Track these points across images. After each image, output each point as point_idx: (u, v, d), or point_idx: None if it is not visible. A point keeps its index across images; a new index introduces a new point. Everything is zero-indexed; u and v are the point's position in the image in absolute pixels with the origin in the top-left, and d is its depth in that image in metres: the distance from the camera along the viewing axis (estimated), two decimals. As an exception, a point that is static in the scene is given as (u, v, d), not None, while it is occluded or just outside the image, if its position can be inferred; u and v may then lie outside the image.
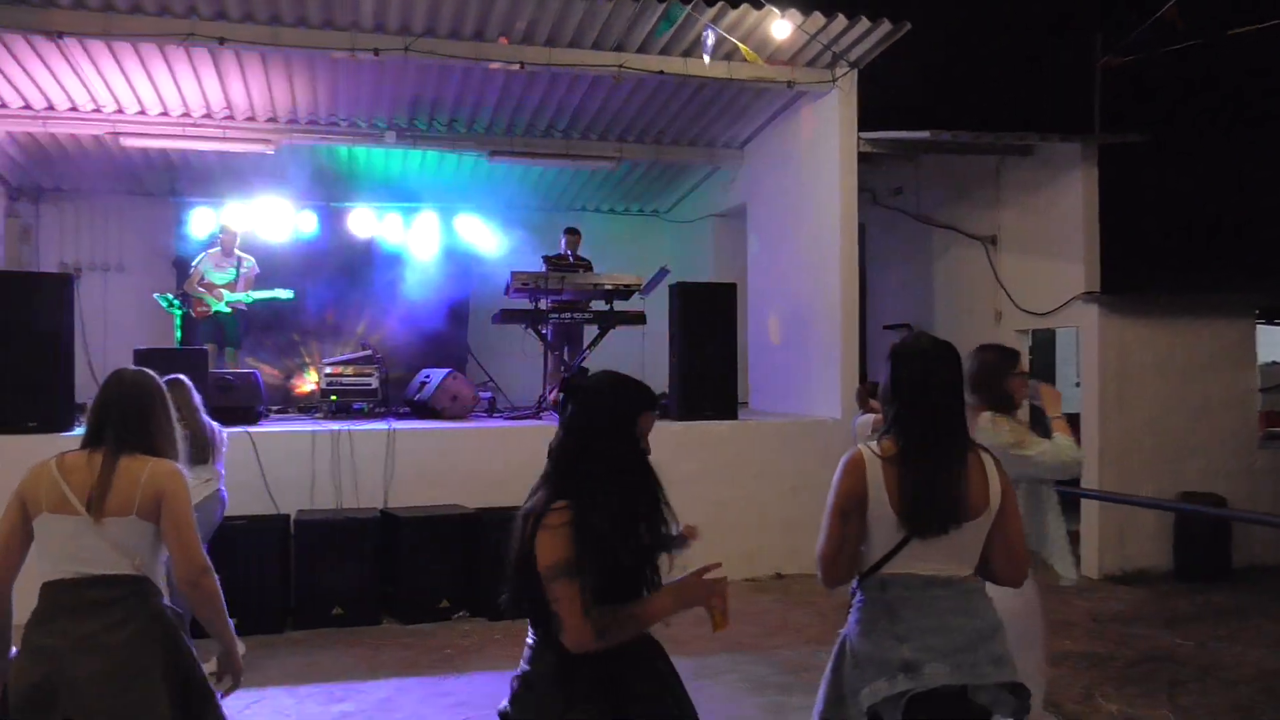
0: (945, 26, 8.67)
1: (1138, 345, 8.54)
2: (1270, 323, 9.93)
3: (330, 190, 10.73)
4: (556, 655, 2.36)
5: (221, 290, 9.01)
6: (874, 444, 2.54)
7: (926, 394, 2.52)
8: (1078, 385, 9.11)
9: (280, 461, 6.96)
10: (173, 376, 5.65)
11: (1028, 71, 10.20)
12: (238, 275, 9.11)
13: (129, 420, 2.80)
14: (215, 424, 5.59)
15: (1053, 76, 9.67)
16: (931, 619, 2.45)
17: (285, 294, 9.27)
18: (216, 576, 2.83)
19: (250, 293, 9.10)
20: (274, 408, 8.82)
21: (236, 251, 9.24)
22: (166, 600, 2.81)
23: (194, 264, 9.21)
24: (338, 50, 7.57)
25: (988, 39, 10.50)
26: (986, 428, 3.54)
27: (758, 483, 7.93)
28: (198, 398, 5.43)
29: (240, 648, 3.06)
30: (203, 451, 5.48)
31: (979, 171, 9.66)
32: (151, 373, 2.96)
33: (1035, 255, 9.11)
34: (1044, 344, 9.59)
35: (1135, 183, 8.64)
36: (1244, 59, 7.29)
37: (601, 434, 2.43)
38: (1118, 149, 8.53)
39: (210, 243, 9.49)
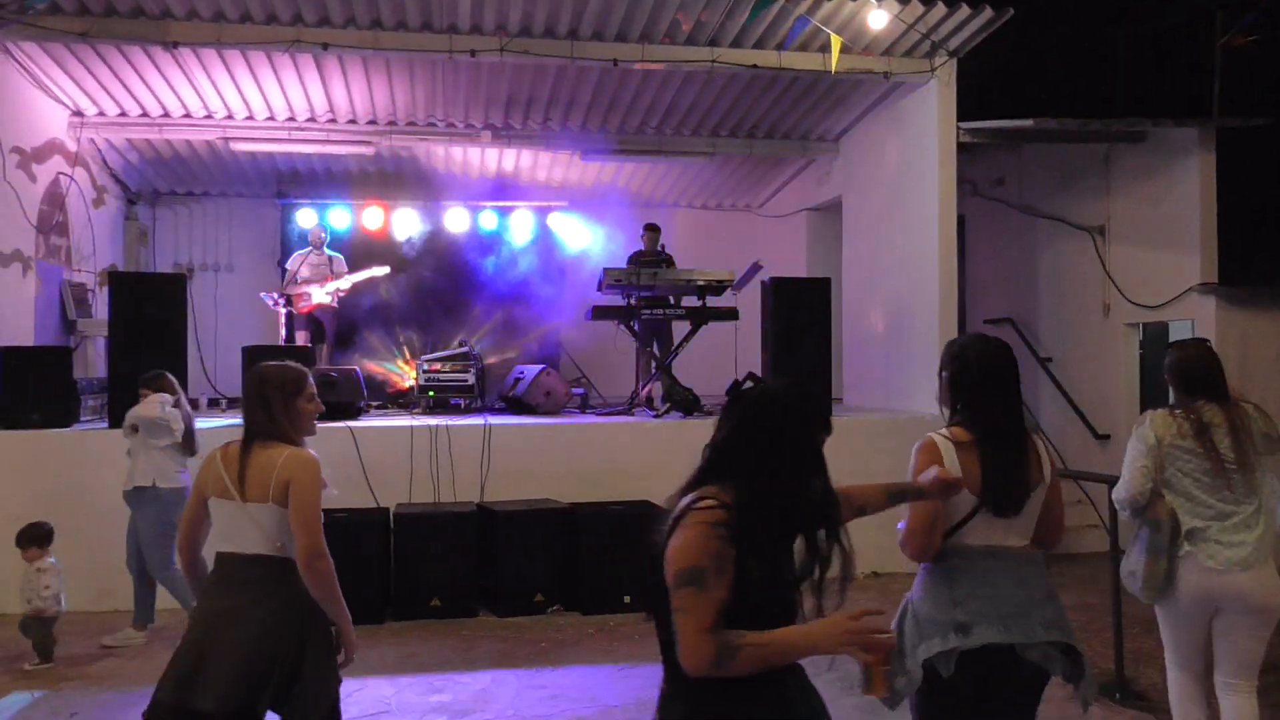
0: (1049, 9, 8.36)
1: (1259, 339, 8.13)
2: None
3: (427, 189, 10.97)
4: (682, 694, 2.10)
5: (320, 282, 9.32)
6: (944, 431, 2.80)
7: (989, 385, 2.78)
8: (1192, 381, 8.69)
9: (380, 456, 7.14)
10: (155, 372, 6.01)
11: (1139, 54, 9.76)
12: (329, 273, 9.43)
13: (254, 411, 3.00)
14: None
15: (1167, 58, 9.25)
16: (986, 586, 2.70)
17: (381, 270, 9.58)
18: (331, 561, 2.98)
19: (347, 277, 9.40)
20: (374, 403, 9.05)
21: (327, 251, 9.55)
22: None
23: (288, 265, 9.57)
24: (436, 52, 7.73)
25: (1095, 21, 10.08)
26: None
27: (853, 480, 7.69)
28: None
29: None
30: (191, 444, 5.92)
31: (1086, 159, 9.32)
32: (285, 363, 3.13)
33: (1147, 246, 8.75)
34: (1155, 338, 9.19)
35: (1256, 168, 8.21)
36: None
37: (781, 434, 2.16)
38: (1237, 133, 8.12)
39: (303, 244, 9.85)
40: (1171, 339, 9.43)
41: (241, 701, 2.77)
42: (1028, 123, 8.23)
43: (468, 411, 8.49)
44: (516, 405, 8.62)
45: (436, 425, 7.35)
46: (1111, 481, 5.59)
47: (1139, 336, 9.10)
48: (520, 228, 11.03)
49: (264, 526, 2.89)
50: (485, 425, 7.39)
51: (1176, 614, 3.78)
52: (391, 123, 9.50)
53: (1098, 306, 9.31)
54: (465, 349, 9.55)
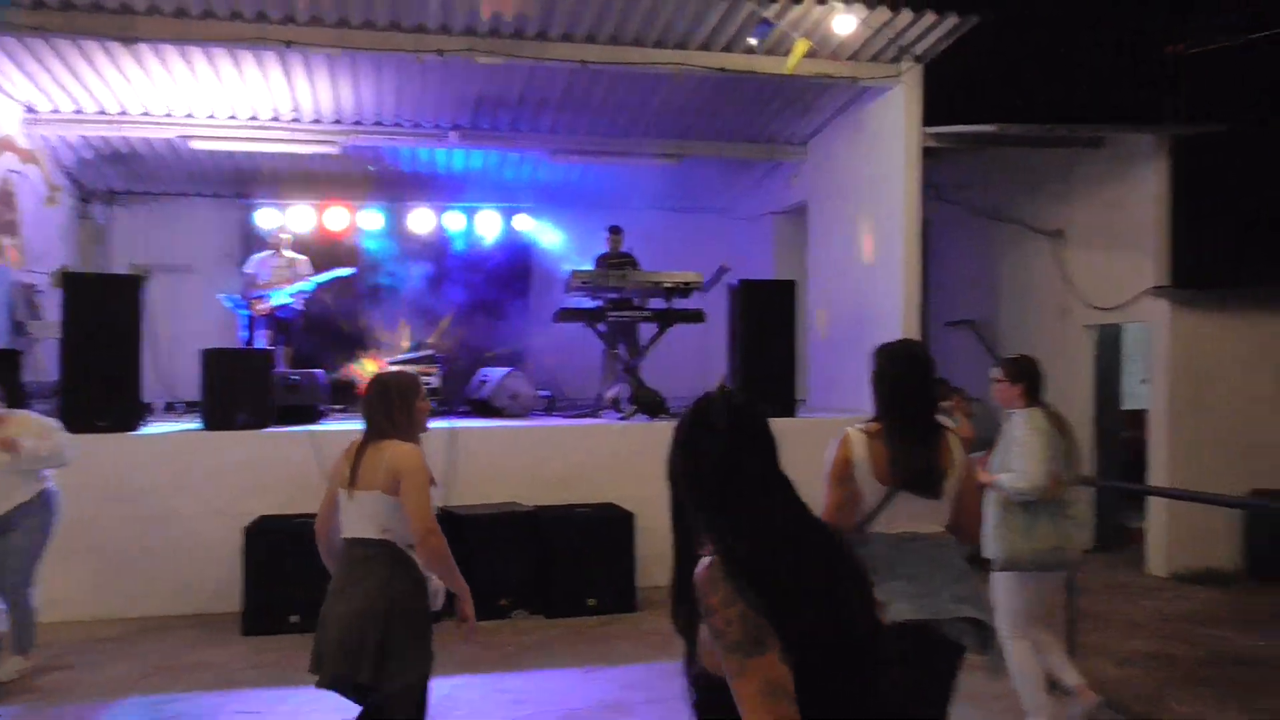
0: (1014, 17, 8.47)
1: (1210, 340, 8.31)
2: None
3: (393, 190, 10.89)
4: None
5: (281, 285, 9.20)
6: (860, 425, 3.14)
7: (902, 385, 3.11)
8: (1144, 382, 8.89)
9: (344, 459, 7.07)
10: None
11: (1100, 62, 9.92)
12: (291, 275, 9.30)
13: (375, 413, 3.42)
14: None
15: (1126, 67, 9.41)
16: (902, 568, 2.97)
17: (345, 271, 9.49)
18: (444, 537, 3.30)
19: (311, 278, 9.29)
20: (337, 407, 8.97)
21: (287, 252, 9.42)
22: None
23: (246, 268, 9.42)
24: (403, 52, 7.67)
25: (1058, 29, 10.24)
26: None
27: (818, 480, 7.84)
28: None
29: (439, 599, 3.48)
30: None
31: (1048, 165, 9.46)
32: (402, 370, 3.71)
33: (1104, 250, 8.91)
34: (1109, 340, 9.37)
35: (1211, 174, 8.38)
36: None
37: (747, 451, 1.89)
38: (1193, 140, 8.30)
39: (264, 245, 9.70)
40: (1126, 341, 9.63)
41: (343, 670, 3.20)
42: (991, 128, 8.34)
43: (432, 414, 8.43)
44: (482, 408, 8.59)
45: (401, 427, 7.29)
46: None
47: (1096, 338, 9.26)
48: (487, 228, 10.99)
49: (370, 513, 3.31)
50: (450, 428, 7.35)
51: (1052, 580, 4.57)
52: (357, 122, 9.41)
53: (1056, 309, 9.46)
54: (430, 351, 9.51)
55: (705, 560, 1.78)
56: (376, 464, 3.30)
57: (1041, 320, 9.66)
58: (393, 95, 8.94)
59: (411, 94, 8.91)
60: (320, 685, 3.29)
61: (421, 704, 3.34)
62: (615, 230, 9.87)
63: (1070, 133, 8.50)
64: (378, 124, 9.47)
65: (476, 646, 5.98)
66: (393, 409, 3.41)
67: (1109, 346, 9.40)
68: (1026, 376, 4.55)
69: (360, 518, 3.33)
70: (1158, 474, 8.32)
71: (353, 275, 9.73)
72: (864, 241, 8.99)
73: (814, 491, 3.46)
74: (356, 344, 10.44)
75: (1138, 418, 9.05)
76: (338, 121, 9.35)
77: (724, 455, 1.85)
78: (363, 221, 10.66)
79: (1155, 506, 8.30)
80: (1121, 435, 9.48)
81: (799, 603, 1.71)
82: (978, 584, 3.03)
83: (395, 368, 8.71)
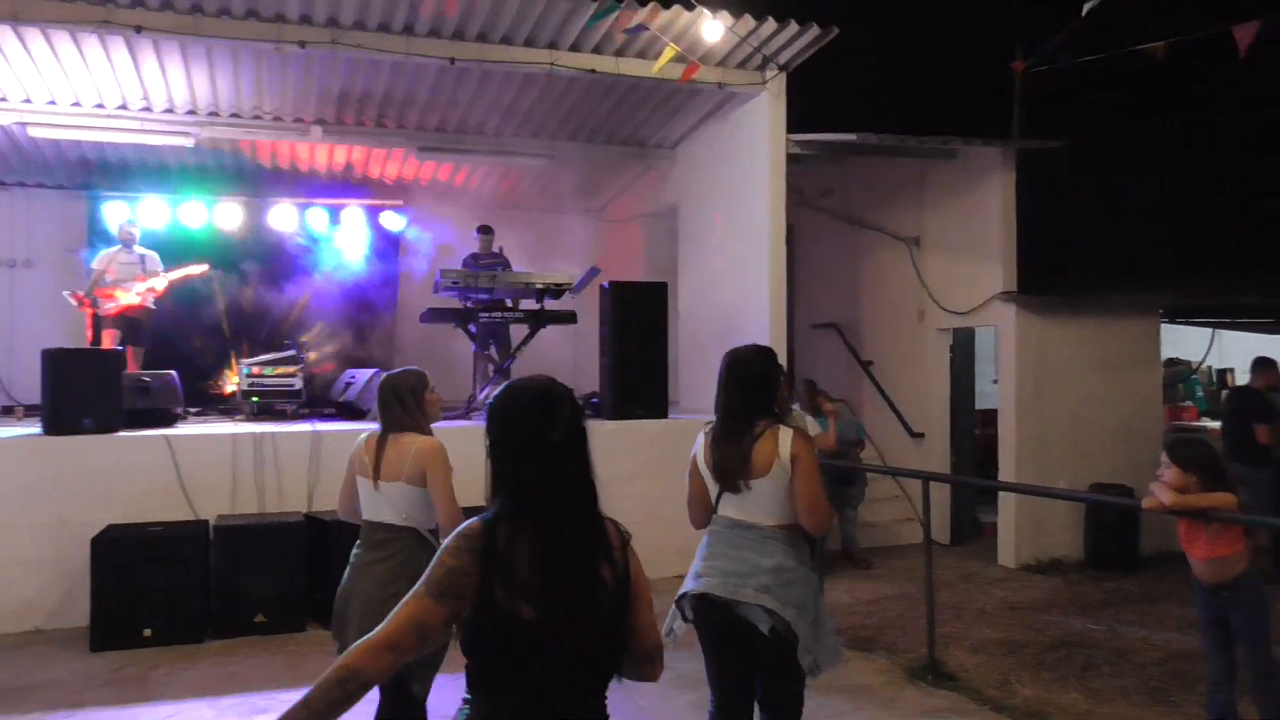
0: (873, 32, 8.82)
1: (1052, 343, 8.82)
2: (1173, 321, 10.34)
3: (252, 185, 10.49)
4: None
5: (130, 283, 8.72)
6: (708, 426, 3.44)
7: (724, 389, 3.41)
8: (994, 383, 9.37)
9: (199, 465, 6.79)
10: None
11: (952, 77, 10.44)
12: (141, 272, 8.83)
13: (389, 409, 3.74)
14: None
15: (976, 83, 9.92)
16: (727, 549, 3.31)
17: (199, 269, 9.09)
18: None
19: (162, 276, 8.85)
20: (192, 410, 8.59)
21: (138, 249, 8.95)
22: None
23: (93, 264, 8.90)
24: (262, 41, 7.39)
25: (914, 45, 10.71)
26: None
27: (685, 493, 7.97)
28: None
29: None
30: None
31: (904, 174, 9.87)
32: (407, 368, 3.89)
33: (957, 256, 9.34)
34: (964, 342, 9.85)
35: (1052, 187, 8.92)
36: (1154, 68, 7.60)
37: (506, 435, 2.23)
38: (1036, 154, 8.80)
39: (112, 240, 9.18)
40: (978, 344, 10.14)
41: None
42: (851, 137, 8.64)
43: (295, 417, 8.17)
44: (348, 410, 8.36)
45: (261, 432, 7.05)
46: (927, 478, 5.96)
47: (950, 341, 9.71)
48: (352, 226, 10.68)
49: (395, 502, 3.63)
50: (314, 431, 7.13)
51: None
52: (213, 113, 9.01)
53: (913, 313, 9.88)
54: (292, 352, 9.18)
55: (473, 520, 2.06)
56: (399, 457, 3.62)
57: (900, 323, 10.07)
58: (251, 87, 8.61)
59: (271, 86, 8.61)
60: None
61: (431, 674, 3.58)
62: (485, 230, 9.79)
63: (924, 144, 8.89)
64: (235, 116, 9.09)
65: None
66: (405, 404, 3.73)
67: (963, 348, 9.88)
68: None
69: (384, 505, 3.65)
70: (1007, 470, 8.78)
71: (205, 273, 9.31)
72: (732, 245, 9.18)
73: (684, 486, 3.60)
74: (211, 345, 10.01)
75: (990, 416, 9.54)
76: (192, 112, 8.94)
77: (508, 429, 2.12)
78: (219, 217, 10.21)
79: (1004, 501, 8.76)
80: (975, 433, 9.99)
81: (520, 590, 1.93)
82: (795, 579, 3.22)
83: (260, 367, 8.41)
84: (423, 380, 3.84)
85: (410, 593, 1.96)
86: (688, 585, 3.34)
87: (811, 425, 6.95)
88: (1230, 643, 4.03)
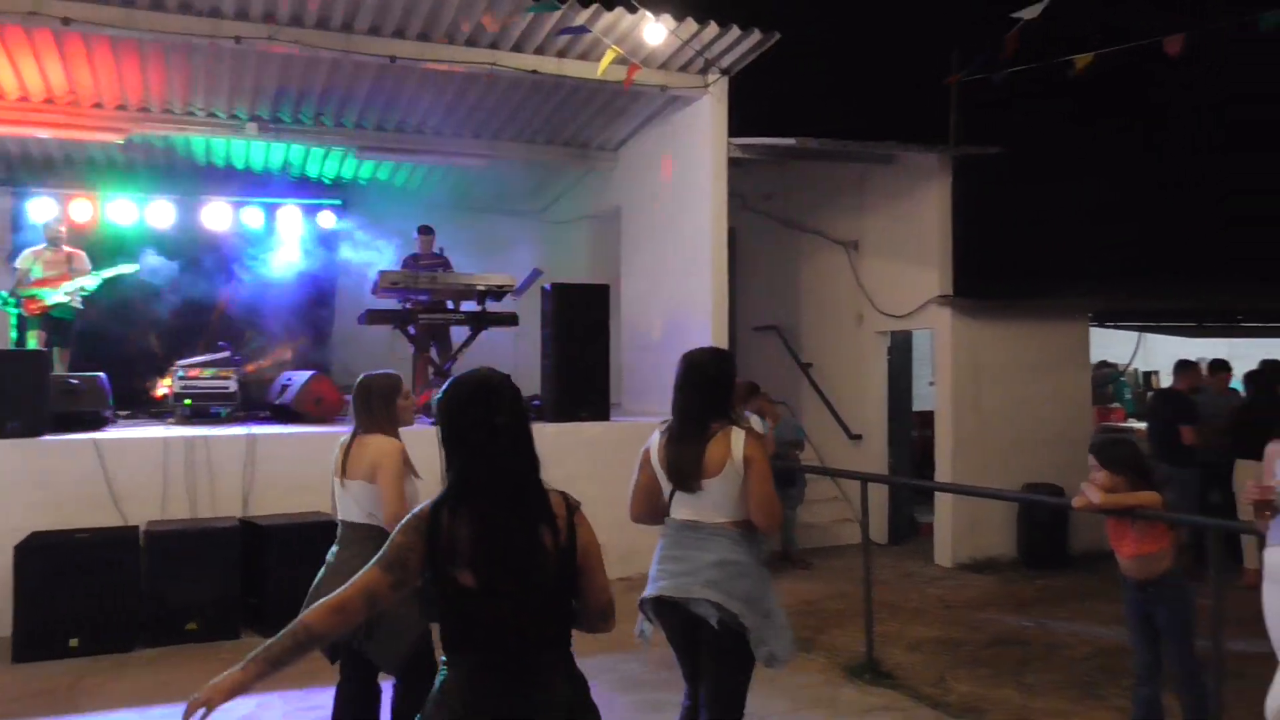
0: (816, 38, 8.92)
1: (986, 346, 9.00)
2: (1101, 325, 10.63)
3: (185, 182, 10.25)
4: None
5: (57, 282, 8.46)
6: (664, 426, 3.54)
7: (679, 391, 3.53)
8: (931, 385, 9.55)
9: (129, 470, 6.62)
10: None
11: (892, 84, 10.59)
12: (68, 271, 8.56)
13: (359, 412, 3.91)
14: None
15: (915, 90, 10.08)
16: (677, 550, 3.41)
17: (130, 268, 8.85)
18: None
19: (91, 275, 8.59)
20: (122, 413, 8.36)
21: (65, 247, 8.68)
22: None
23: (17, 263, 8.61)
24: (196, 37, 7.23)
25: (855, 52, 10.86)
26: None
27: (630, 483, 7.98)
28: None
29: None
30: None
31: (844, 179, 10.00)
32: (386, 372, 4.06)
33: (894, 260, 9.49)
34: (901, 345, 10.01)
35: (988, 193, 9.09)
36: (1087, 78, 7.82)
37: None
38: (972, 160, 8.98)
39: (38, 238, 8.89)
40: (915, 346, 10.31)
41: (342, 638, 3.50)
42: (791, 141, 8.74)
43: (230, 420, 8.00)
44: (284, 413, 8.21)
45: (194, 436, 6.89)
46: (865, 479, 6.03)
47: (888, 344, 9.86)
48: (289, 226, 10.49)
49: (358, 499, 3.79)
50: (249, 435, 7.00)
51: None
52: (144, 109, 8.79)
53: (852, 316, 10.01)
54: (227, 353, 8.98)
55: (424, 503, 2.31)
56: (361, 457, 3.79)
57: (839, 326, 10.20)
58: (184, 82, 8.41)
59: (206, 82, 8.42)
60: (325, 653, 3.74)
61: (419, 665, 3.66)
62: (426, 230, 9.68)
63: (863, 149, 9.01)
64: (167, 112, 8.88)
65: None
66: (373, 407, 3.89)
67: (901, 351, 10.04)
68: None
69: (350, 504, 3.83)
70: (943, 471, 8.94)
71: (138, 273, 9.06)
72: (674, 248, 9.21)
73: (630, 489, 3.62)
74: (142, 346, 9.75)
75: (927, 418, 9.71)
76: (122, 108, 8.71)
77: (454, 420, 2.33)
78: (151, 215, 9.95)
79: (941, 501, 8.92)
80: (913, 435, 10.15)
81: (460, 562, 2.21)
82: (743, 573, 3.33)
83: (194, 369, 8.21)
84: (396, 385, 4.01)
85: (365, 566, 2.29)
86: (646, 589, 3.45)
87: (756, 425, 7.04)
88: (1156, 638, 4.15)
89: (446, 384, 2.41)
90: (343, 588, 2.27)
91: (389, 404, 3.94)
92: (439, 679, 2.28)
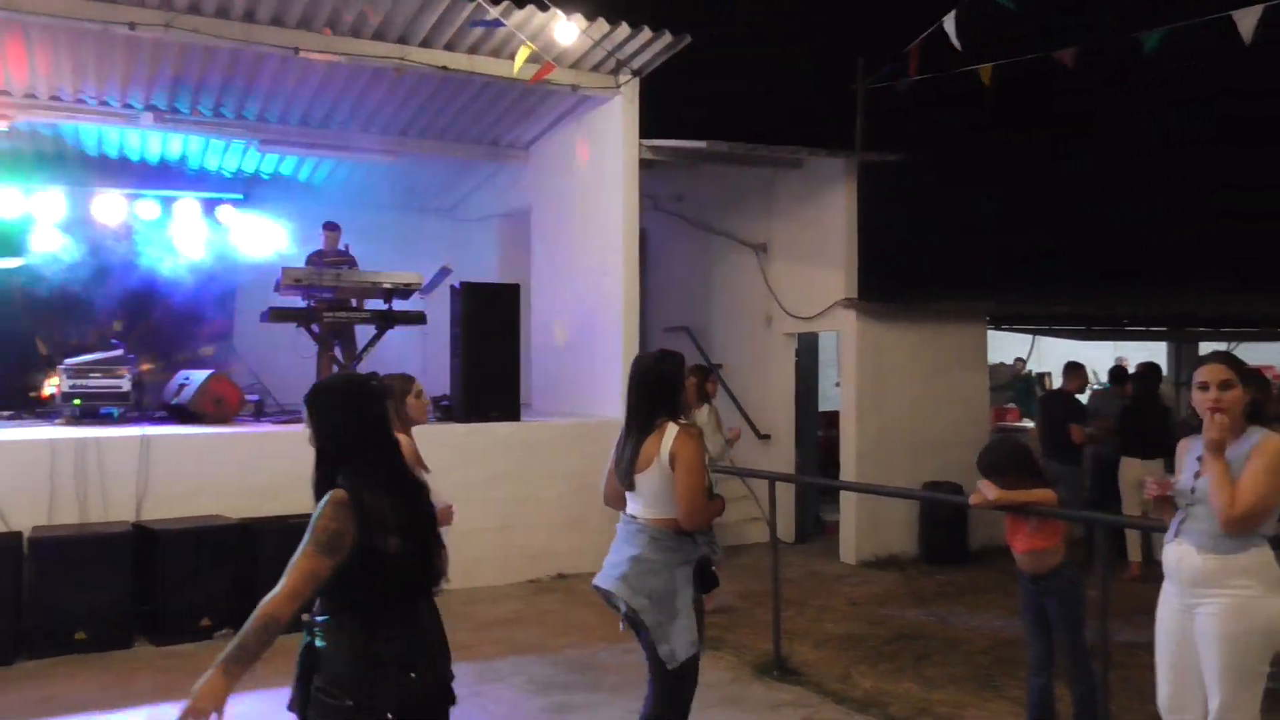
0: (727, 43, 9.03)
1: (890, 348, 9.22)
2: (998, 328, 11.00)
3: (75, 173, 9.79)
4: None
5: None
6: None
7: (627, 391, 3.68)
8: (837, 386, 9.74)
9: (11, 473, 6.30)
10: None
11: (800, 90, 10.80)
12: None
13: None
14: None
15: (823, 96, 10.29)
16: (616, 542, 3.64)
17: (13, 262, 8.44)
18: None
19: None
20: (5, 413, 7.96)
21: None
22: None
23: None
24: (86, 21, 6.92)
25: (765, 58, 11.04)
26: None
27: (541, 483, 7.96)
28: None
29: None
30: None
31: (753, 182, 10.13)
32: (403, 375, 4.41)
33: (802, 263, 9.66)
34: (809, 346, 10.20)
35: (891, 198, 9.34)
36: (986, 90, 8.11)
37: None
38: (876, 166, 9.19)
39: None
40: (821, 348, 10.51)
41: None
42: (702, 144, 8.81)
43: (122, 421, 7.69)
44: (181, 414, 7.92)
45: (84, 437, 6.60)
46: (773, 478, 6.11)
47: (795, 345, 10.03)
48: (187, 219, 10.08)
49: None
50: (143, 437, 6.73)
51: None
52: (31, 96, 8.37)
53: (761, 317, 10.15)
54: (120, 351, 8.62)
55: (335, 492, 2.58)
56: None
57: (749, 327, 10.33)
58: (73, 69, 8.03)
59: (97, 69, 8.07)
60: None
61: None
62: (331, 226, 9.45)
63: (771, 153, 9.15)
64: (55, 99, 8.47)
65: (173, 673, 5.54)
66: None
67: (808, 353, 10.22)
68: None
69: None
70: (848, 470, 9.12)
71: (22, 266, 8.63)
72: (584, 248, 9.20)
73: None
74: (28, 344, 9.30)
75: (833, 418, 9.89)
76: (5, 93, 8.28)
77: (347, 418, 2.69)
78: (38, 207, 9.47)
79: (845, 500, 9.10)
80: (819, 435, 10.34)
81: (390, 531, 2.58)
82: (655, 570, 3.47)
83: (84, 368, 7.87)
84: (406, 385, 4.30)
85: (299, 553, 2.51)
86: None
87: (703, 419, 7.11)
88: (1048, 630, 4.31)
89: (317, 392, 2.77)
90: (287, 576, 2.48)
91: (400, 403, 4.21)
92: (345, 636, 2.56)
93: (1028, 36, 7.95)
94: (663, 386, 3.62)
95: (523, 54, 7.49)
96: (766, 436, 10.01)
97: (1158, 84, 11.34)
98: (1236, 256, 11.66)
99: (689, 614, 3.46)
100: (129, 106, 8.72)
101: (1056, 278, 10.78)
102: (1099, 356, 13.02)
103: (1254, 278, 10.92)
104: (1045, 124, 12.94)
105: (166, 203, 10.04)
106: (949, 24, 7.37)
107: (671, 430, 3.50)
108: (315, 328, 8.53)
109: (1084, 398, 8.93)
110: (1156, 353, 12.29)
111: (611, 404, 8.47)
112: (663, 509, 3.49)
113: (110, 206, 9.70)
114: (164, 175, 10.23)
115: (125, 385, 7.98)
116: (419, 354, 9.19)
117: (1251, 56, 6.84)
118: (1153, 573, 7.87)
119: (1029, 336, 13.32)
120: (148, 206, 9.94)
